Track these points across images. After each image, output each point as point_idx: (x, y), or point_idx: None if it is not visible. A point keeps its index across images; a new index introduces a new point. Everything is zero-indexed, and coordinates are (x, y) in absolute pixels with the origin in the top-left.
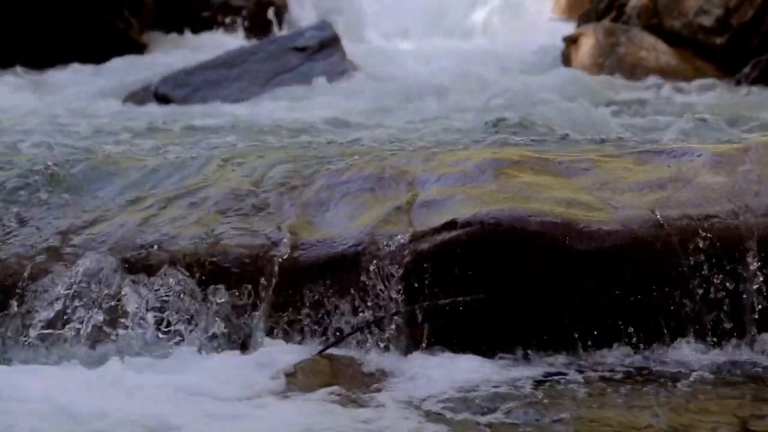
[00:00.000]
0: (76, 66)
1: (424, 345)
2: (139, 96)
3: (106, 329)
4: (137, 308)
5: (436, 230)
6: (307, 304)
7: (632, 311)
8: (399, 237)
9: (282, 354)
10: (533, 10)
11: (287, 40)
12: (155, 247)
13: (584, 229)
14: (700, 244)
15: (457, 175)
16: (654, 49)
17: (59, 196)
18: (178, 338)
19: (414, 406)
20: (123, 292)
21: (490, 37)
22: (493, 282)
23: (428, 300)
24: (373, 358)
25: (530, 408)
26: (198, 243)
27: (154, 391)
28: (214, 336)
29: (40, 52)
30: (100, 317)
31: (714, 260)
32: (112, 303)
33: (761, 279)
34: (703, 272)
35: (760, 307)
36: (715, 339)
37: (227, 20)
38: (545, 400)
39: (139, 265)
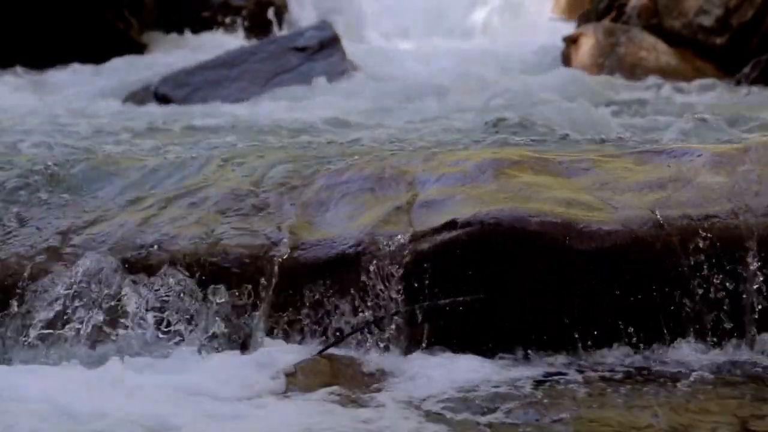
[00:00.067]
0: (76, 66)
1: (424, 345)
2: (139, 96)
3: (106, 329)
4: (137, 308)
5: (436, 230)
6: (307, 304)
7: (632, 311)
8: (399, 237)
9: (282, 354)
10: (533, 10)
11: (287, 40)
12: (155, 247)
13: (584, 229)
14: (700, 244)
15: (457, 175)
16: (654, 49)
17: (59, 196)
18: (178, 338)
19: (414, 406)
20: (123, 292)
21: (490, 37)
22: (493, 282)
23: (428, 300)
24: (373, 358)
25: (530, 408)
26: (198, 243)
27: (154, 391)
28: (214, 336)
29: (40, 52)
30: (100, 317)
31: (714, 260)
32: (112, 303)
33: (761, 279)
34: (703, 272)
35: (760, 307)
36: (715, 339)
37: (227, 20)
38: (545, 400)
39: (139, 265)
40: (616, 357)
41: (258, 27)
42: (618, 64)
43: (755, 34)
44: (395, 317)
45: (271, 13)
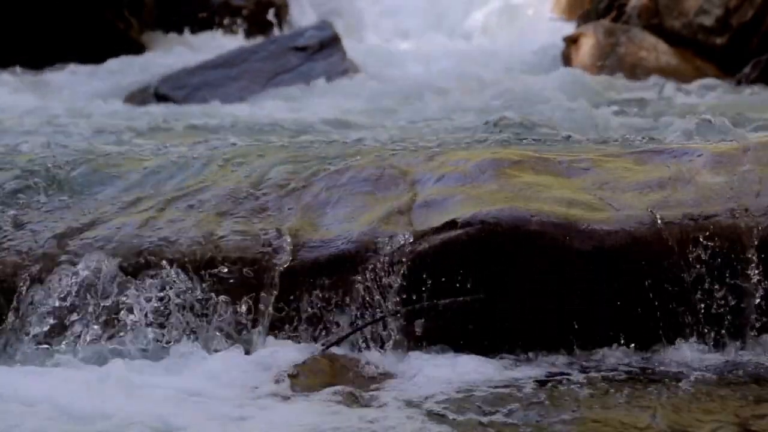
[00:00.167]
0: (75, 66)
1: (424, 345)
2: (139, 96)
3: (107, 330)
4: (138, 309)
5: (437, 230)
6: (308, 304)
7: (632, 311)
8: (399, 237)
9: (283, 354)
10: (533, 10)
11: (287, 40)
12: (156, 248)
13: (584, 229)
14: (701, 244)
15: (458, 175)
16: (654, 49)
17: (59, 197)
18: (179, 339)
19: (416, 406)
20: (124, 293)
21: (490, 37)
22: (493, 282)
23: (428, 300)
24: (374, 358)
25: (532, 408)
26: (198, 244)
27: (155, 392)
28: (216, 337)
29: (39, 52)
30: (101, 319)
31: (714, 260)
32: (114, 304)
33: (762, 279)
34: (703, 272)
35: (761, 307)
36: (715, 339)
37: (227, 20)
38: (546, 401)
39: (140, 266)
40: (617, 357)
41: (258, 27)
42: (618, 64)
43: (755, 34)
44: (395, 317)
45: (271, 14)
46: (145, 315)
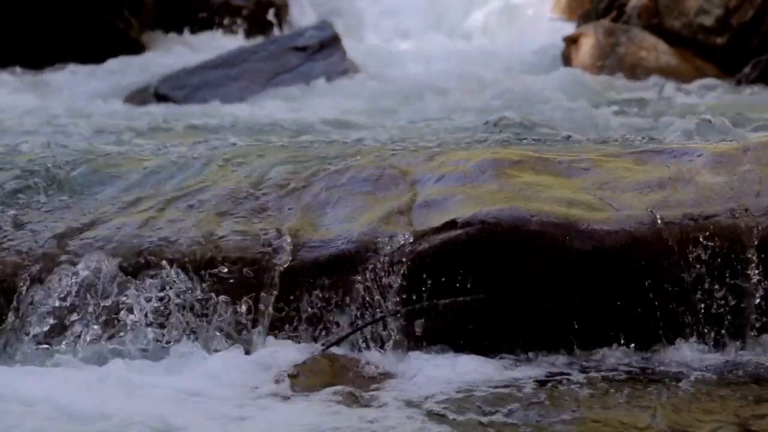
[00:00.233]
0: (75, 66)
1: (424, 345)
2: (139, 96)
3: (108, 331)
4: (138, 309)
5: (437, 230)
6: (308, 304)
7: (632, 311)
8: (399, 237)
9: (283, 354)
10: (533, 10)
11: (287, 40)
12: (156, 248)
13: (584, 229)
14: (701, 244)
15: (458, 175)
16: (654, 49)
17: (59, 198)
18: (179, 339)
19: (416, 406)
20: (124, 293)
21: (490, 38)
22: (493, 282)
23: (428, 300)
24: (374, 358)
25: (532, 408)
26: (199, 244)
27: (155, 392)
28: (216, 337)
29: (39, 52)
30: (102, 318)
31: (714, 260)
32: (114, 304)
33: (762, 279)
34: (703, 272)
35: (761, 307)
36: (716, 339)
37: (227, 20)
38: (546, 401)
39: (141, 266)
40: (617, 357)
41: (258, 27)
42: (618, 64)
43: (755, 34)
44: (395, 317)
45: (271, 14)
46: (145, 315)
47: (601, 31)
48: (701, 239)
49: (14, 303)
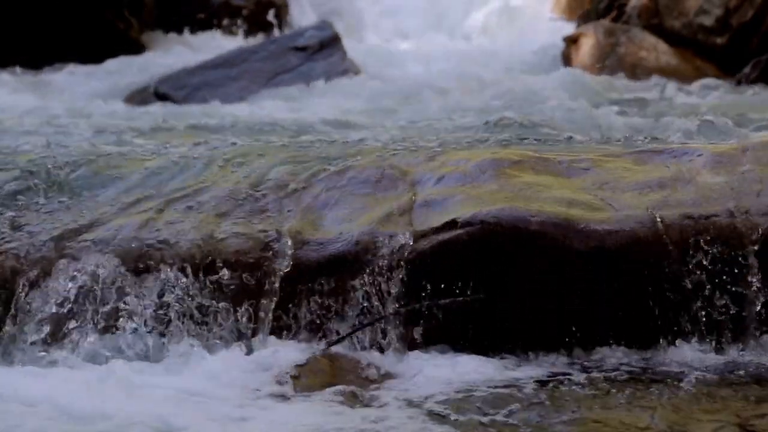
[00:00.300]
0: (75, 66)
1: (424, 345)
2: (139, 96)
3: (108, 331)
4: (138, 309)
5: (437, 230)
6: (309, 304)
7: (633, 311)
8: (399, 237)
9: (284, 354)
10: (533, 10)
11: (287, 40)
12: (156, 249)
13: (584, 229)
14: (701, 244)
15: (458, 175)
16: (654, 49)
17: (60, 198)
18: (179, 340)
19: (417, 406)
20: (125, 294)
21: (490, 38)
22: (493, 282)
23: (428, 299)
24: (374, 358)
25: (532, 409)
26: (199, 244)
27: (156, 393)
28: (216, 337)
29: (39, 52)
30: (102, 320)
31: (714, 260)
32: (114, 305)
33: (762, 279)
34: (703, 272)
35: (761, 307)
36: (716, 340)
37: (227, 21)
38: (547, 401)
39: (141, 266)
40: (617, 357)
41: (258, 27)
42: (618, 64)
43: (755, 34)
44: (395, 317)
45: (271, 14)
46: (146, 315)
47: (601, 31)
48: (701, 239)
49: (14, 304)
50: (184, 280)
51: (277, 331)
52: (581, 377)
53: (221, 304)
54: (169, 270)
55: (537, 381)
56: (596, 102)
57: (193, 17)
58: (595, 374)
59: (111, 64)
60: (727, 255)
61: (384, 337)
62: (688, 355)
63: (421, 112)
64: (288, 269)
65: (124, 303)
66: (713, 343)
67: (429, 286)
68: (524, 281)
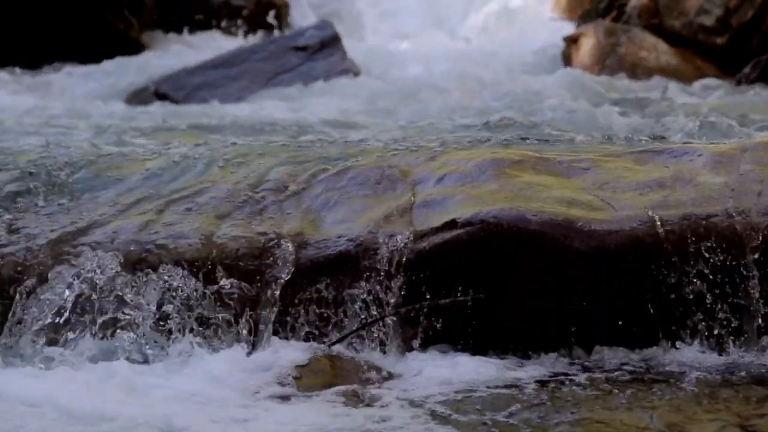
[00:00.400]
0: (75, 66)
1: (424, 345)
2: (139, 96)
3: (109, 332)
4: (140, 310)
5: (437, 230)
6: (309, 304)
7: (633, 311)
8: (400, 237)
9: (285, 354)
10: (533, 10)
11: (288, 40)
12: (158, 248)
13: (584, 229)
14: (701, 245)
15: (458, 174)
16: (654, 49)
17: (60, 199)
18: (181, 340)
19: (418, 406)
20: (127, 295)
21: (490, 38)
22: (493, 282)
23: (428, 299)
24: (374, 358)
25: (533, 409)
26: (200, 244)
27: (157, 394)
28: (218, 337)
29: (39, 52)
30: (104, 320)
31: (715, 260)
32: (116, 305)
33: (763, 279)
34: (704, 272)
35: (762, 308)
36: (716, 340)
37: (227, 21)
38: (548, 401)
39: (142, 267)
40: (618, 357)
41: (258, 27)
42: (618, 64)
43: (755, 34)
44: (396, 317)
45: (271, 15)
46: (146, 315)
47: (601, 31)
48: (702, 240)
49: (15, 305)
50: (184, 279)
51: (279, 330)
52: (582, 377)
53: (221, 306)
54: (170, 269)
55: (537, 381)
56: (596, 102)
57: (193, 17)
58: (595, 374)
59: (111, 64)
60: (727, 255)
61: (384, 337)
62: (689, 356)
63: (421, 112)
64: (289, 270)
65: (128, 302)
66: (714, 343)
67: (429, 286)
68: (524, 281)
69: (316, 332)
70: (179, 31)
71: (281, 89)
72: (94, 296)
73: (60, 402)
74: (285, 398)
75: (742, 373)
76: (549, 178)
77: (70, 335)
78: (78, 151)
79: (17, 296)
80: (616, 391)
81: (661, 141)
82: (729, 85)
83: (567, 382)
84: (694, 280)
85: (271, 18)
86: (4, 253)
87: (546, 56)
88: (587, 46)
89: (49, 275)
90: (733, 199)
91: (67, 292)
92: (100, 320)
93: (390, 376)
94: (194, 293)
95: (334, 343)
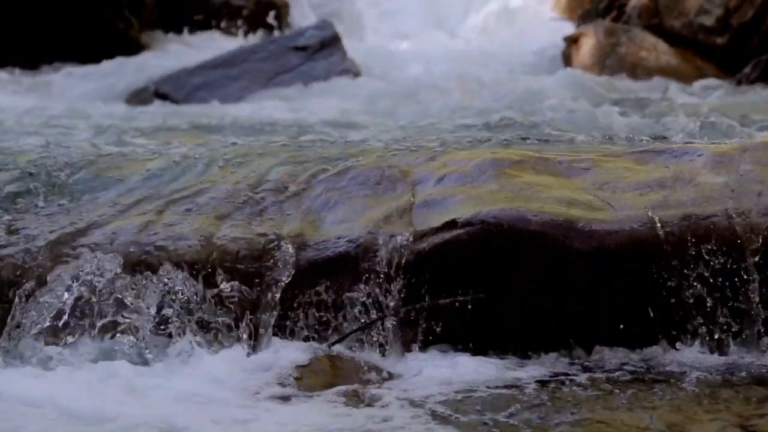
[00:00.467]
0: (75, 66)
1: (424, 345)
2: (139, 96)
3: (109, 333)
4: (141, 311)
5: (437, 230)
6: (310, 305)
7: (633, 311)
8: (400, 237)
9: (285, 355)
10: (533, 10)
11: (288, 40)
12: (158, 250)
13: (584, 229)
14: (701, 244)
15: (458, 175)
16: (654, 49)
17: (59, 199)
18: (182, 341)
19: (419, 406)
20: (127, 295)
21: (490, 38)
22: (493, 282)
23: (428, 300)
24: (375, 358)
25: (534, 409)
26: (200, 245)
27: (158, 394)
28: (218, 338)
29: (38, 52)
30: (104, 320)
31: (715, 261)
32: (117, 306)
33: (763, 279)
34: (704, 273)
35: (762, 308)
36: (717, 340)
37: (227, 21)
38: (548, 401)
39: (142, 268)
40: (618, 357)
41: (258, 27)
42: (619, 64)
43: (755, 34)
44: (396, 317)
45: (271, 16)
46: (146, 316)
47: (601, 31)
48: (702, 239)
49: (15, 305)
50: (185, 279)
51: (279, 331)
52: (582, 377)
53: (224, 305)
54: (169, 270)
55: (538, 381)
56: (596, 102)
57: (192, 17)
58: (596, 374)
59: (110, 64)
60: (727, 255)
61: (384, 338)
62: (689, 356)
63: (421, 112)
64: (289, 270)
65: (128, 303)
66: (714, 343)
67: (429, 286)
68: (524, 281)
69: (316, 332)
70: (179, 31)
71: (281, 89)
72: (96, 297)
73: (60, 402)
74: (285, 398)
75: (743, 374)
76: (549, 178)
77: (71, 335)
78: (78, 152)
79: (17, 297)
80: (617, 391)
81: (662, 141)
82: (729, 85)
83: (567, 383)
84: (695, 281)
85: (271, 18)
86: (3, 254)
87: (546, 56)
88: (587, 46)
89: (49, 277)
90: (733, 199)
91: (67, 293)
92: (99, 321)
93: (390, 377)
94: (195, 294)
95: (334, 344)
